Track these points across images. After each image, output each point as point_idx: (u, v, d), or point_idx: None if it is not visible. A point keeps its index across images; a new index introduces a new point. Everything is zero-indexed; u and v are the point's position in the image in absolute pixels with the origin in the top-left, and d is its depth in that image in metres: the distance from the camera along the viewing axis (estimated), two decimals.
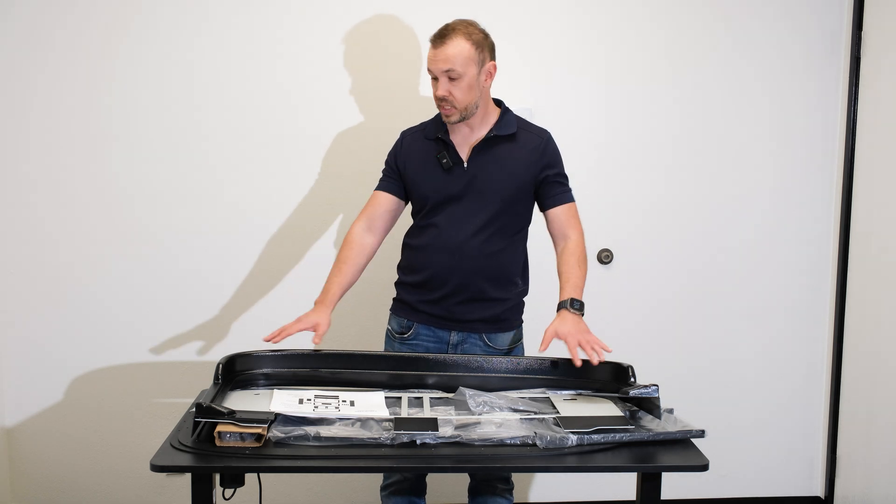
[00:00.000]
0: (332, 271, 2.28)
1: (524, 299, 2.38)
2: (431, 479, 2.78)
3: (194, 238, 2.88)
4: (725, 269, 3.05)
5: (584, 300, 2.15)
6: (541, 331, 2.16)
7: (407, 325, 2.32)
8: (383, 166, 2.38)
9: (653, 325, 3.05)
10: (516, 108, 2.85)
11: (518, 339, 2.37)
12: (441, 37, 2.14)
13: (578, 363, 2.01)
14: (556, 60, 2.92)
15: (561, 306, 2.14)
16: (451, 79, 2.14)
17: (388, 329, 2.41)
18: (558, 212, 2.29)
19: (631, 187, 2.99)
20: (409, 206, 2.39)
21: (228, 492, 1.90)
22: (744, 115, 2.99)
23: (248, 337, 2.91)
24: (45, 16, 2.76)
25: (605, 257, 3.00)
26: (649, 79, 2.94)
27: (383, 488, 2.39)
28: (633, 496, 1.86)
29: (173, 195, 2.86)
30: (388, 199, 2.34)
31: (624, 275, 3.02)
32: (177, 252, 2.88)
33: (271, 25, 2.82)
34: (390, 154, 2.37)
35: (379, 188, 2.35)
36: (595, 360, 1.99)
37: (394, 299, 2.40)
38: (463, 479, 2.62)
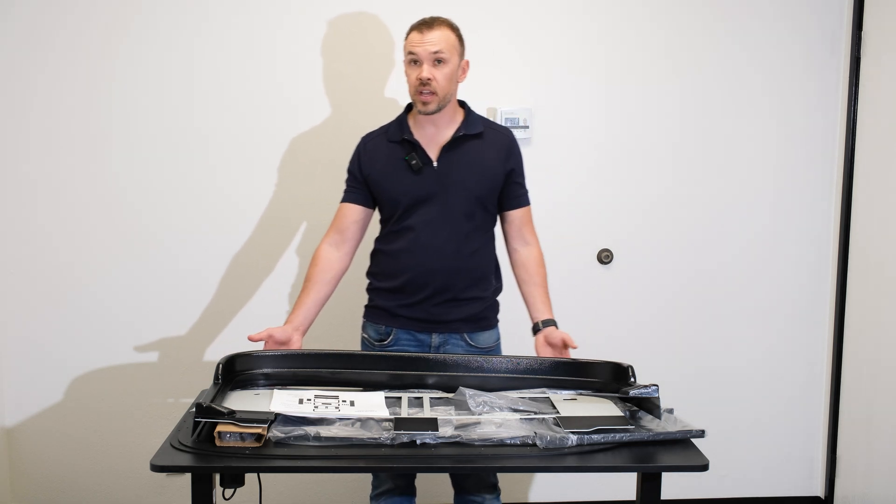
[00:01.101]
0: (300, 293, 2.27)
1: (498, 298, 2.39)
2: (426, 478, 2.78)
3: (194, 238, 2.88)
4: (725, 269, 3.05)
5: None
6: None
7: (386, 332, 2.30)
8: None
9: (653, 325, 3.05)
10: (516, 107, 2.87)
11: (497, 337, 2.38)
12: (428, 23, 2.16)
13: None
14: (557, 60, 2.92)
15: (549, 323, 2.23)
16: (436, 62, 2.15)
17: (363, 338, 2.37)
18: (518, 214, 2.32)
19: (631, 187, 2.99)
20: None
21: (228, 492, 1.89)
22: (744, 115, 2.99)
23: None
24: (45, 16, 2.76)
25: (605, 257, 3.00)
26: (649, 79, 2.94)
27: (373, 498, 2.38)
28: (633, 496, 1.86)
29: (173, 195, 2.86)
30: (354, 210, 2.31)
31: (624, 275, 3.02)
32: (177, 252, 2.88)
33: (271, 25, 2.82)
34: (352, 162, 2.33)
35: (345, 200, 2.33)
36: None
37: (367, 306, 2.36)
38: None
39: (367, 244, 2.40)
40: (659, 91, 2.95)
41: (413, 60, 2.17)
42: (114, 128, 2.82)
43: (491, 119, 2.38)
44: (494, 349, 2.35)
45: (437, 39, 2.14)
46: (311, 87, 2.85)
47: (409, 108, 2.31)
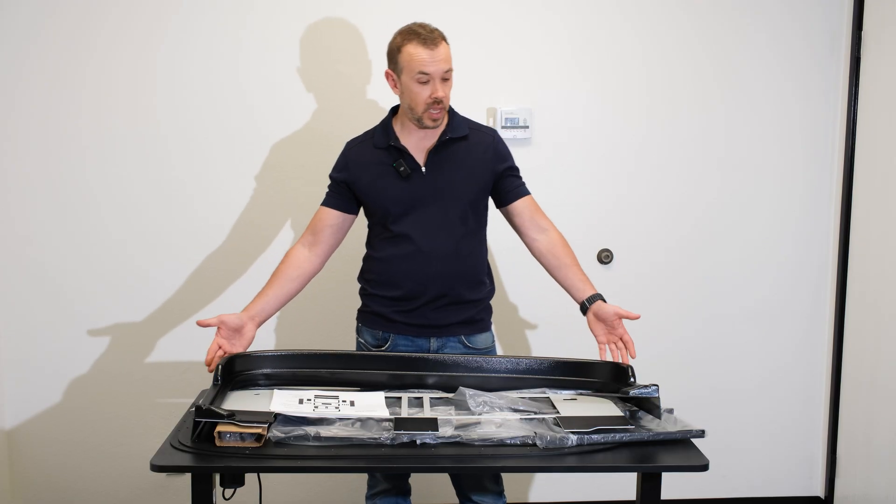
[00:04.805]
0: (263, 286, 2.23)
1: (490, 302, 2.37)
2: (423, 478, 2.78)
3: (193, 238, 2.88)
4: (725, 269, 3.05)
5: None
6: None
7: (384, 337, 2.28)
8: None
9: (653, 324, 3.04)
10: (516, 107, 2.87)
11: (493, 339, 2.37)
12: (432, 38, 2.10)
13: (623, 359, 2.12)
14: (557, 60, 2.91)
15: (595, 298, 2.18)
16: (443, 80, 2.12)
17: (360, 342, 2.35)
18: (523, 204, 2.28)
19: (631, 187, 2.98)
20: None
21: (228, 492, 1.90)
22: (744, 115, 2.99)
23: None
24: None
25: (605, 257, 3.00)
26: (649, 79, 2.94)
27: (369, 498, 2.37)
28: (633, 496, 1.86)
29: (172, 196, 2.86)
30: (331, 215, 2.28)
31: (624, 275, 3.02)
32: (175, 252, 2.88)
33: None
34: (336, 168, 2.30)
35: (324, 203, 2.30)
36: (627, 360, 2.11)
37: (362, 311, 2.34)
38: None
39: (360, 247, 2.38)
40: (659, 91, 2.95)
41: (423, 80, 2.11)
42: (116, 128, 2.82)
43: (476, 121, 2.33)
44: (490, 351, 2.35)
45: (445, 56, 2.11)
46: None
47: (393, 112, 2.27)
